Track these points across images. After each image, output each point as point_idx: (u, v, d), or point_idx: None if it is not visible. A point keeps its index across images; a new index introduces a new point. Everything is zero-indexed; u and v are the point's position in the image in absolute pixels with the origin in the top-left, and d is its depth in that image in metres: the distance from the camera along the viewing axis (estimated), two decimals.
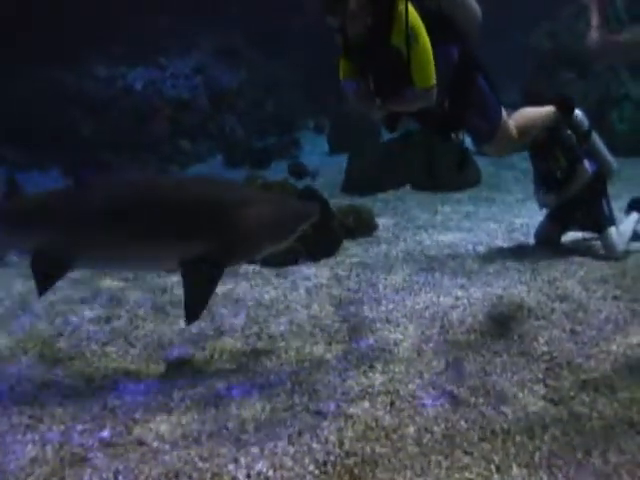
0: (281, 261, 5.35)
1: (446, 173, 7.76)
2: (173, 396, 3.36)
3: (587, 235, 5.63)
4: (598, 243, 5.38)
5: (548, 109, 4.79)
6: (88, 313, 4.64)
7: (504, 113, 4.19)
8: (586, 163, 5.24)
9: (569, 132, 5.21)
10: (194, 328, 4.18)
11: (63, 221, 3.47)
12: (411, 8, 3.56)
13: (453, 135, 4.16)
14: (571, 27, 11.76)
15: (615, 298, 4.33)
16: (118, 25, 13.29)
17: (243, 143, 12.54)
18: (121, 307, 4.73)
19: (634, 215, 5.43)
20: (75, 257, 3.50)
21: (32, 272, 3.52)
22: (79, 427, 3.10)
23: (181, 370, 3.68)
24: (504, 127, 4.20)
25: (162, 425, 3.07)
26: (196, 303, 3.41)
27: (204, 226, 3.39)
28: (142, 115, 12.70)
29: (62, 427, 3.11)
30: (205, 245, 3.37)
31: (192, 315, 3.43)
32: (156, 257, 3.55)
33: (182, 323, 4.04)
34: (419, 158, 8.27)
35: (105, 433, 3.03)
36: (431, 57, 3.60)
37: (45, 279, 3.52)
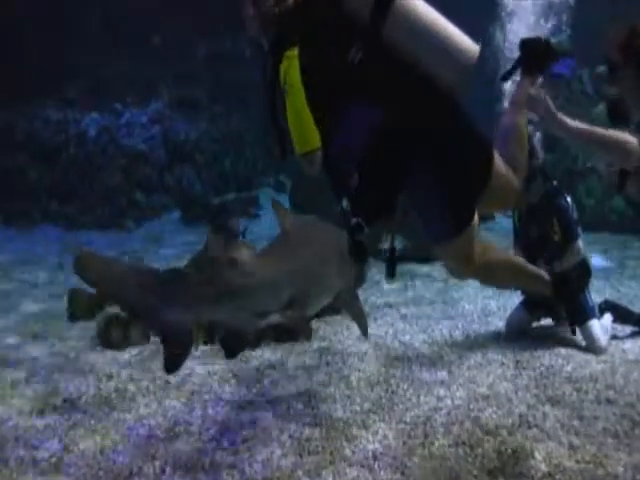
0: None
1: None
2: None
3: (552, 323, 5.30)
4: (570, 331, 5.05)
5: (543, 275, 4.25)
6: (17, 401, 4.06)
7: (474, 223, 3.20)
8: (580, 243, 4.90)
9: (569, 201, 4.88)
10: (142, 429, 3.64)
11: (302, 277, 3.46)
12: (291, 63, 2.91)
13: (354, 222, 3.00)
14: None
15: (609, 401, 3.96)
16: (76, 69, 12.95)
17: (200, 199, 12.03)
18: (57, 396, 4.15)
19: (608, 315, 5.10)
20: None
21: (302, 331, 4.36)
22: None
23: None
24: (463, 238, 3.17)
25: None
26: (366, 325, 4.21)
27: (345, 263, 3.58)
28: (94, 164, 12.18)
29: None
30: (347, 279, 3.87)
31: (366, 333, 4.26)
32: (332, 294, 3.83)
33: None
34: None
35: None
36: (302, 119, 2.93)
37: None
